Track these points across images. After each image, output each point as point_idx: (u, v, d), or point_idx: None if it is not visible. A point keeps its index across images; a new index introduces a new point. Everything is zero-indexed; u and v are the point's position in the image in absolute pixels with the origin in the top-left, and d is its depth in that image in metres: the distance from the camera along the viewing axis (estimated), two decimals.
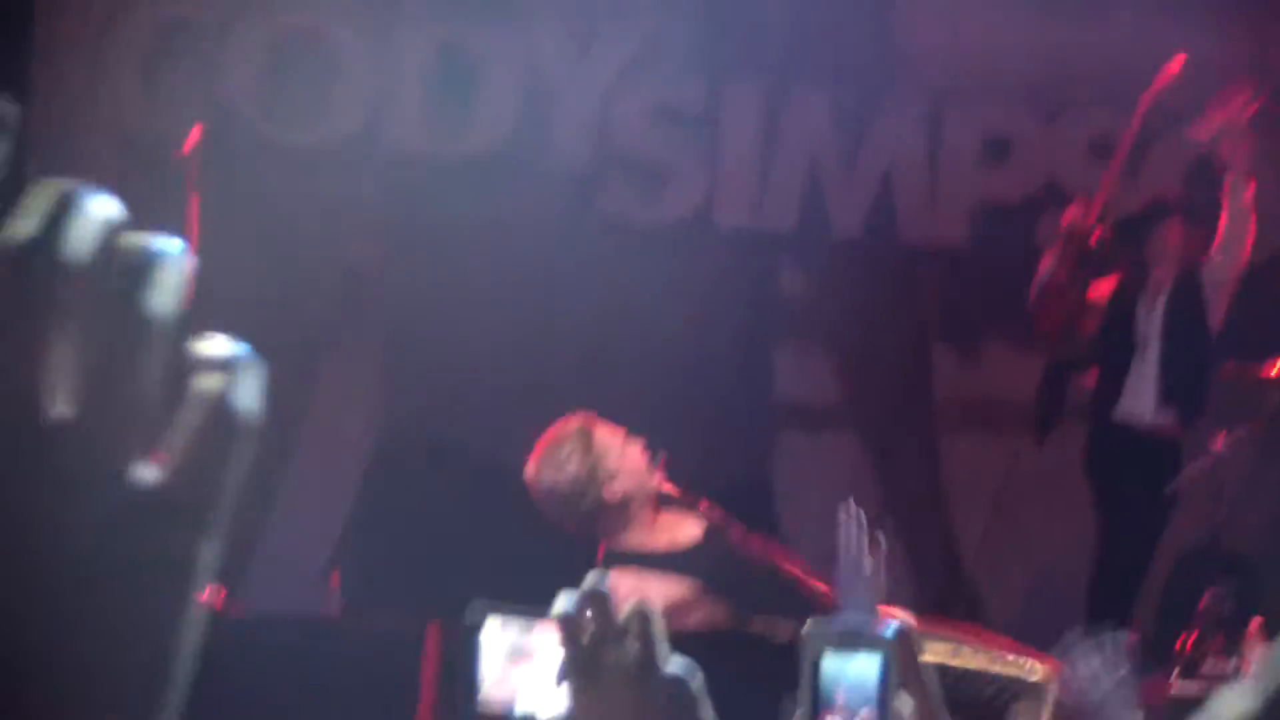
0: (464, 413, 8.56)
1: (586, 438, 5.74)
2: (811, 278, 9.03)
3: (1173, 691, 6.29)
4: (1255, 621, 6.69)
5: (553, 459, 5.70)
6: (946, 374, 9.08)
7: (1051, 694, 5.71)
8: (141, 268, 0.78)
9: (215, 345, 0.80)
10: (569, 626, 1.44)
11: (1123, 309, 7.88)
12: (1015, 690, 5.69)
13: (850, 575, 4.63)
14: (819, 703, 1.72)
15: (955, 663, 5.67)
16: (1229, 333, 7.85)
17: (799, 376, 9.06)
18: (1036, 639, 6.05)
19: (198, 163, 7.31)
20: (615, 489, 5.71)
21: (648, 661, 1.43)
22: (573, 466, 5.69)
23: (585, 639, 1.44)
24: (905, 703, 1.75)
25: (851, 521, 4.61)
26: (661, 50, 9.04)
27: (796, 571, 5.82)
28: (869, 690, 1.72)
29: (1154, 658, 7.55)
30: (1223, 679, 6.57)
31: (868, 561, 4.63)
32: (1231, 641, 6.81)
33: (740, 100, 9.10)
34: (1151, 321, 7.83)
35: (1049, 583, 8.52)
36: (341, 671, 6.29)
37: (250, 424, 0.80)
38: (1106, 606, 7.81)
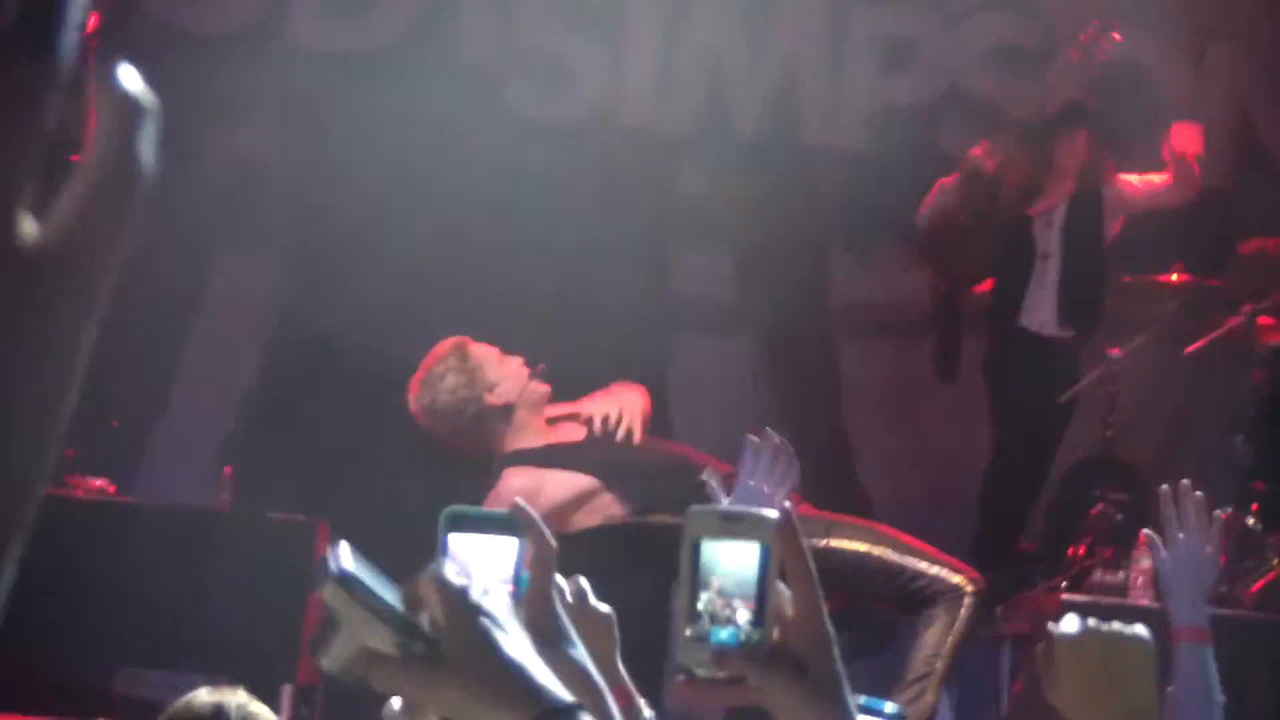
0: (361, 309, 8.49)
1: (462, 352, 5.84)
2: (711, 179, 8.97)
3: (1061, 600, 6.32)
4: (1143, 534, 6.74)
5: (431, 378, 5.81)
6: (844, 277, 9.07)
7: (969, 598, 5.79)
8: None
9: (115, 82, 0.74)
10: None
11: (1021, 220, 7.86)
12: (935, 589, 5.79)
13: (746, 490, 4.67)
14: (697, 589, 1.68)
15: (876, 553, 5.79)
16: (1124, 243, 7.87)
17: (697, 278, 9.03)
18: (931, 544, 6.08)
19: (95, 51, 7.18)
20: (497, 396, 5.78)
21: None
22: (451, 379, 5.79)
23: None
24: (786, 593, 1.71)
25: (767, 449, 4.69)
26: None
27: (687, 452, 5.84)
28: (748, 577, 1.68)
29: (1045, 567, 7.59)
30: (1110, 590, 6.61)
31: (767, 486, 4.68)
32: (1120, 553, 6.85)
33: None
34: (1050, 235, 7.82)
35: (943, 489, 8.54)
36: (231, 564, 6.25)
37: (147, 177, 0.74)
38: (1000, 515, 7.84)
